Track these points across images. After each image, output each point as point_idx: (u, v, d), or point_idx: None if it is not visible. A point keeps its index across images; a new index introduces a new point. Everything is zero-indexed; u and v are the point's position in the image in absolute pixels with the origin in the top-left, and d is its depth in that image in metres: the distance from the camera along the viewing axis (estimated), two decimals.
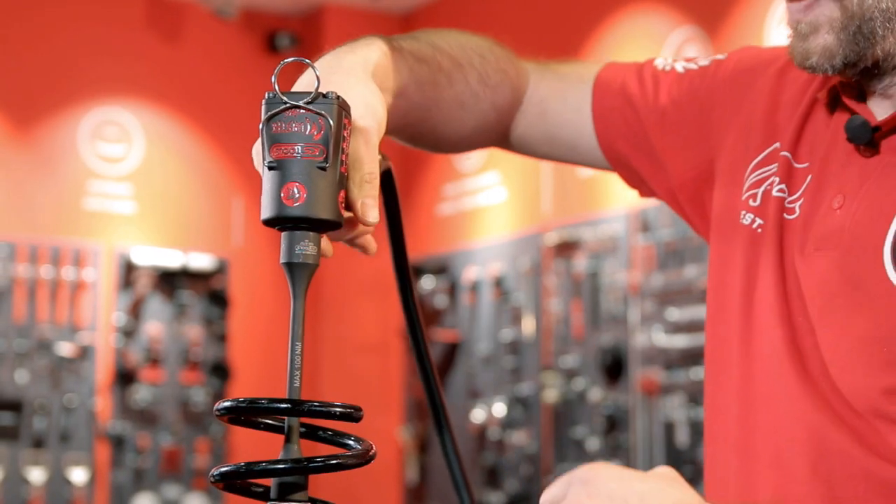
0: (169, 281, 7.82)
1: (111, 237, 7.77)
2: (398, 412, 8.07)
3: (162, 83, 8.12)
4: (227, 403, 1.21)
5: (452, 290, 7.77)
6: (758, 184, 1.50)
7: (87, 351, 7.54)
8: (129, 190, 7.93)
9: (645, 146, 1.65)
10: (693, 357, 6.11)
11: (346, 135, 1.23)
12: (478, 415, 7.35)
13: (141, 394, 7.60)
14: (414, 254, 7.97)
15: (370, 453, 1.21)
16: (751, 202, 1.50)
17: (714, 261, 1.55)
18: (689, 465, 6.08)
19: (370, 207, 1.26)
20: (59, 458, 7.39)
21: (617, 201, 6.67)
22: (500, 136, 1.71)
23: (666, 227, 6.31)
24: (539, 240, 7.14)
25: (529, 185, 7.36)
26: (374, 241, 1.32)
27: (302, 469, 1.18)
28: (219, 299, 7.91)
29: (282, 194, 1.20)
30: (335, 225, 1.23)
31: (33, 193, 7.64)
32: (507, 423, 7.19)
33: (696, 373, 6.07)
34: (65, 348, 7.46)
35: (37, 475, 7.32)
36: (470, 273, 7.64)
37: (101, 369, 7.58)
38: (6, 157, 7.62)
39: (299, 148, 1.20)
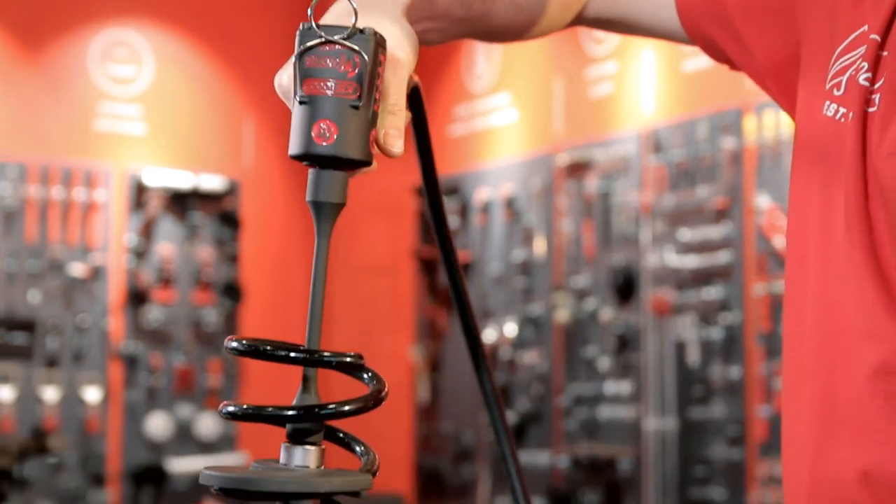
0: (180, 202, 7.82)
1: (122, 158, 7.76)
2: (409, 332, 8.09)
3: (173, 4, 8.08)
4: (236, 345, 1.19)
5: (464, 210, 7.76)
6: (842, 71, 1.38)
7: (99, 271, 7.56)
8: (139, 111, 7.91)
9: (730, 27, 1.54)
10: (704, 277, 6.11)
11: (380, 72, 1.20)
12: (489, 335, 7.37)
13: (153, 314, 7.62)
14: None
15: (382, 394, 1.20)
16: (835, 91, 1.38)
17: (796, 156, 1.45)
18: (699, 385, 6.10)
19: (395, 138, 1.24)
20: (73, 377, 7.43)
21: (629, 121, 6.65)
22: (571, 20, 1.62)
23: (678, 147, 6.29)
24: (551, 160, 7.12)
25: (541, 105, 7.33)
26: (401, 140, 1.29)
27: (311, 416, 1.17)
28: (230, 220, 7.92)
29: (312, 132, 1.17)
30: (365, 164, 1.21)
31: (44, 114, 7.62)
32: (519, 343, 7.21)
33: (708, 292, 6.07)
34: (77, 269, 7.48)
35: (51, 394, 7.36)
36: (481, 194, 7.63)
37: (114, 290, 7.60)
38: (17, 79, 7.60)
39: (332, 84, 1.17)
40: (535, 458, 7.04)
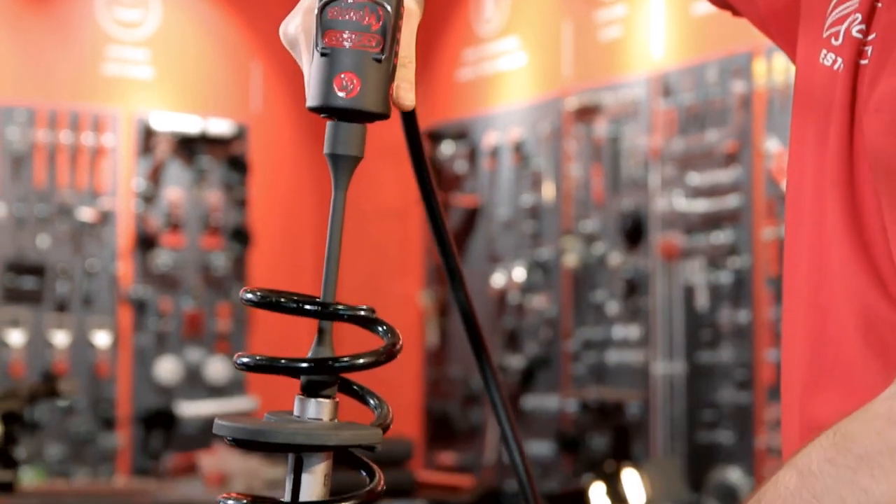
0: (188, 146, 7.81)
1: (130, 102, 7.75)
2: (418, 277, 8.10)
3: None
4: (251, 297, 1.18)
5: (472, 155, 7.75)
6: (840, 20, 1.36)
7: (107, 216, 7.56)
8: (146, 55, 7.88)
9: None
10: (713, 221, 6.10)
11: (400, 24, 1.20)
12: (498, 279, 7.37)
13: (162, 258, 7.63)
14: (434, 119, 7.94)
15: (396, 348, 1.20)
16: (833, 41, 1.37)
17: (795, 102, 1.44)
18: (708, 329, 6.11)
19: (407, 91, 1.25)
20: (83, 321, 7.46)
21: (638, 65, 6.62)
22: None
23: (687, 90, 6.26)
24: (559, 104, 7.10)
25: (550, 49, 7.30)
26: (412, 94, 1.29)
27: (324, 369, 1.17)
28: (238, 165, 7.91)
29: (334, 84, 1.17)
30: (383, 117, 1.21)
31: (51, 59, 7.60)
32: (527, 288, 7.21)
33: (717, 236, 6.07)
34: (86, 213, 7.49)
35: (61, 338, 7.39)
36: (490, 138, 7.62)
37: (122, 234, 7.61)
38: (24, 24, 7.57)
39: (354, 37, 1.17)
40: (543, 402, 7.06)
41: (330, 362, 1.16)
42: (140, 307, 7.60)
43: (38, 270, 7.39)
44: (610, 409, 6.60)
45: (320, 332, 1.18)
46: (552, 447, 6.94)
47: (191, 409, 7.50)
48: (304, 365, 1.16)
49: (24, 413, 6.13)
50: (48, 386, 6.25)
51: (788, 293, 1.43)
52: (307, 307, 1.18)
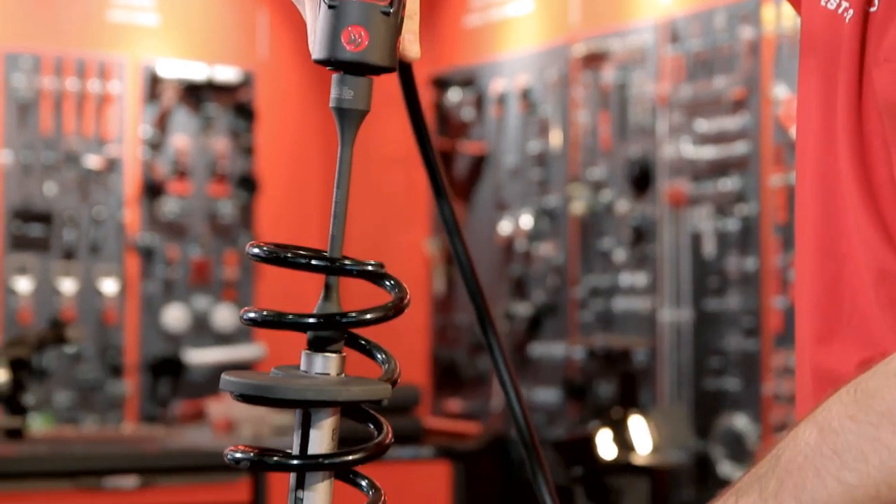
0: (195, 94, 7.79)
1: (136, 49, 7.72)
2: (425, 224, 8.10)
3: None
4: (258, 252, 1.18)
5: (479, 102, 7.73)
6: None
7: (114, 163, 7.55)
8: (152, 2, 7.84)
9: None
10: (721, 168, 6.09)
11: None
12: (505, 227, 7.37)
13: (169, 206, 7.63)
14: (441, 66, 7.91)
15: (403, 302, 1.19)
16: None
17: (801, 48, 1.42)
18: (715, 276, 6.10)
19: (412, 42, 1.24)
20: (90, 269, 7.46)
21: (646, 11, 6.58)
22: None
23: (695, 37, 6.23)
24: (567, 51, 7.07)
25: None
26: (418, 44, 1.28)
27: (332, 325, 1.16)
28: (245, 112, 7.89)
29: (342, 37, 1.16)
30: (390, 70, 1.20)
31: (57, 6, 7.57)
32: (534, 235, 7.21)
33: (724, 184, 6.05)
34: (92, 161, 7.48)
35: (68, 286, 7.40)
36: (497, 85, 7.59)
37: (129, 182, 7.61)
38: None
39: None
40: (550, 349, 7.07)
41: (338, 318, 1.16)
42: (147, 255, 7.60)
43: (45, 218, 7.39)
44: (617, 357, 6.61)
45: (327, 287, 1.18)
46: (559, 394, 6.96)
47: (198, 356, 7.52)
48: (312, 321, 1.16)
49: (31, 360, 6.15)
50: (56, 333, 6.27)
51: (800, 241, 1.42)
52: (314, 263, 1.18)
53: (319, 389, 1.14)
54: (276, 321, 1.17)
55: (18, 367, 6.06)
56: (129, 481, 5.71)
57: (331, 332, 1.16)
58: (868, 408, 1.10)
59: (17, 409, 6.04)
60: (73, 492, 5.64)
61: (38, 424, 6.65)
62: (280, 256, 1.17)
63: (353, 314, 1.16)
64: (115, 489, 5.69)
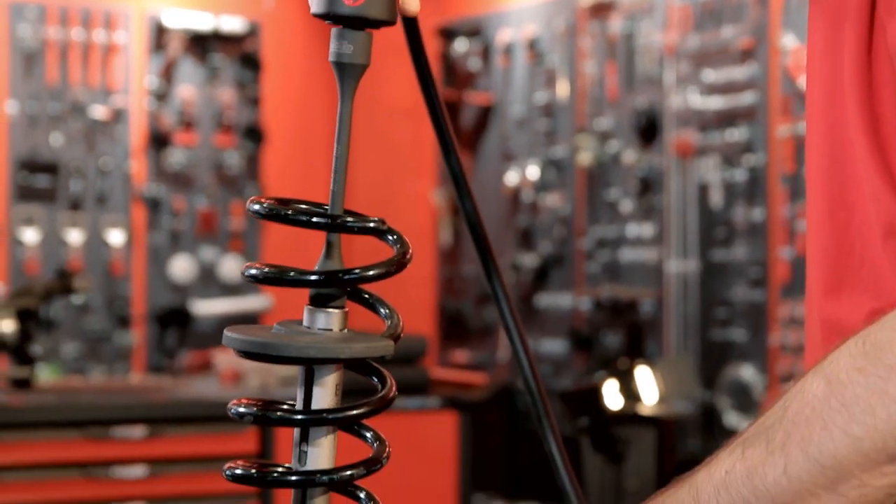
0: (200, 44, 7.76)
1: None
2: (432, 175, 8.09)
3: None
4: (258, 209, 1.17)
5: (486, 52, 7.70)
6: None
7: (120, 114, 7.54)
8: None
9: None
10: (728, 118, 6.07)
11: None
12: (511, 177, 7.36)
13: (175, 157, 7.62)
14: (447, 16, 7.88)
15: (406, 258, 1.19)
16: None
17: (810, 1, 1.37)
18: (722, 227, 6.10)
19: None
20: (97, 219, 7.46)
21: None
22: None
23: None
24: (574, 1, 7.03)
25: None
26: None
27: (334, 282, 1.16)
28: (251, 62, 7.86)
29: None
30: (389, 23, 1.19)
31: None
32: (541, 186, 7.20)
33: (731, 134, 6.03)
34: (98, 111, 7.46)
35: (75, 236, 7.40)
36: (503, 35, 7.56)
37: (135, 132, 7.59)
38: None
39: None
40: (557, 300, 7.07)
41: (340, 275, 1.16)
42: (154, 205, 7.60)
43: (51, 168, 7.38)
44: (623, 307, 6.62)
45: (328, 244, 1.17)
46: (565, 345, 6.97)
47: (205, 307, 7.53)
48: (314, 278, 1.15)
49: (39, 310, 6.17)
50: (63, 283, 6.28)
51: (810, 192, 1.40)
52: (315, 220, 1.17)
53: (322, 347, 1.13)
54: (277, 278, 1.16)
55: (26, 318, 6.07)
56: (137, 431, 5.73)
57: (333, 289, 1.16)
58: (877, 360, 1.09)
59: (25, 360, 6.06)
60: (81, 441, 5.66)
61: (45, 375, 6.68)
62: (280, 213, 1.17)
63: (356, 271, 1.15)
64: (123, 439, 5.71)
